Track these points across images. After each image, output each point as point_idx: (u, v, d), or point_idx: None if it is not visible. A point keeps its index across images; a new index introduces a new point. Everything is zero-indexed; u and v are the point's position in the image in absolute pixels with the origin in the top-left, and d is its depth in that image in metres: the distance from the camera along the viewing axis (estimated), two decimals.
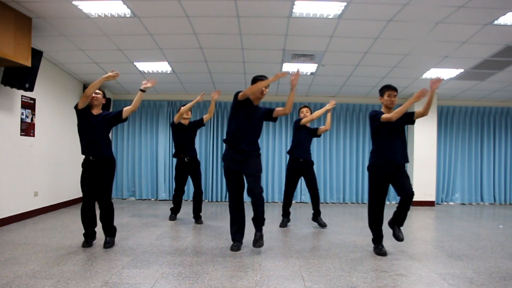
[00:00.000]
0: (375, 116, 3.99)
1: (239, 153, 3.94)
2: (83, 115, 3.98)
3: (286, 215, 5.53)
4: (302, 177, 5.52)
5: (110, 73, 3.89)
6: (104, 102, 4.11)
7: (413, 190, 3.87)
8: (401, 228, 3.98)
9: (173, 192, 5.83)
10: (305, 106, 5.54)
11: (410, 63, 6.19)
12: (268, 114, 4.07)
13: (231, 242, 4.13)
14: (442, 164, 8.57)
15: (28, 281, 2.97)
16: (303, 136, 5.43)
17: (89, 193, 3.99)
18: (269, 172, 8.36)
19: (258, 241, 3.87)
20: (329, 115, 5.55)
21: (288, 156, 5.64)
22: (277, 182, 8.35)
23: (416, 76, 6.91)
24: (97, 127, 3.97)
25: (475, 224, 6.12)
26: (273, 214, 6.38)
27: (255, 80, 3.97)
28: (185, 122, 5.64)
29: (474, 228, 5.65)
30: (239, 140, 3.94)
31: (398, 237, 3.93)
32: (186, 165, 5.57)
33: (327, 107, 5.39)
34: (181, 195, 5.78)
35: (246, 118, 3.94)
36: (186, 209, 5.98)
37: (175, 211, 5.84)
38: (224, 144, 8.29)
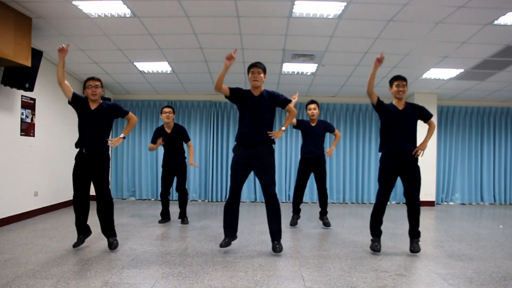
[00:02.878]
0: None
1: (249, 147, 3.86)
2: (80, 108, 3.86)
3: (296, 211, 5.44)
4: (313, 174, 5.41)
5: (60, 52, 3.68)
6: (103, 92, 3.95)
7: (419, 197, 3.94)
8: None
9: (161, 191, 5.63)
10: (312, 102, 5.31)
11: (410, 63, 6.19)
12: (280, 105, 4.01)
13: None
14: (442, 164, 8.58)
15: (28, 281, 2.97)
16: (309, 133, 5.29)
17: (80, 187, 3.88)
18: None
19: (277, 246, 3.85)
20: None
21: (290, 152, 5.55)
22: (277, 183, 8.35)
23: (416, 76, 6.91)
24: (97, 123, 3.88)
25: (475, 224, 6.12)
26: None
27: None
28: (167, 127, 5.47)
29: (474, 228, 5.65)
30: (246, 133, 3.88)
31: (413, 250, 3.92)
32: (173, 165, 5.49)
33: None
34: (168, 196, 5.63)
35: (249, 110, 3.88)
36: (187, 209, 5.95)
37: (165, 215, 5.66)
38: (225, 144, 8.37)
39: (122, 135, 4.00)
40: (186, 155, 5.63)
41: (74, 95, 3.87)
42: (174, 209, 5.96)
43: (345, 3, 4.34)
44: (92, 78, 3.90)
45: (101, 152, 3.91)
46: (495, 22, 4.62)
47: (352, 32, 5.11)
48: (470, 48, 5.46)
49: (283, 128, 4.02)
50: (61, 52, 3.69)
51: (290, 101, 4.04)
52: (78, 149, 3.93)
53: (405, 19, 4.67)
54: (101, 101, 3.97)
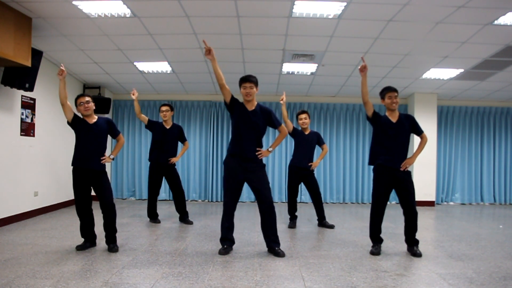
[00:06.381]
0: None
1: (242, 161, 3.87)
2: (79, 126, 3.91)
3: (293, 218, 5.53)
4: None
5: (60, 75, 3.80)
6: (94, 108, 4.00)
7: (416, 208, 3.95)
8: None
9: (150, 194, 5.53)
10: (303, 112, 5.38)
11: (410, 63, 6.19)
12: (271, 125, 4.02)
13: None
14: (442, 164, 8.57)
15: (28, 281, 2.97)
16: (302, 142, 5.37)
17: (82, 199, 3.93)
18: (269, 173, 8.36)
19: (280, 251, 3.86)
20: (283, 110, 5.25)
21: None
22: (277, 183, 8.36)
23: (416, 76, 6.91)
24: (97, 137, 3.94)
25: (475, 224, 6.12)
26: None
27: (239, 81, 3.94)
28: (166, 124, 5.49)
29: (474, 228, 5.65)
30: (239, 146, 3.88)
31: (414, 254, 3.91)
32: (162, 165, 5.44)
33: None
34: (157, 197, 5.61)
35: (242, 123, 3.88)
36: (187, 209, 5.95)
37: (153, 216, 5.61)
38: (225, 144, 8.37)
39: (112, 156, 4.08)
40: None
41: (75, 115, 3.93)
42: (173, 210, 5.95)
43: (345, 3, 4.34)
44: (82, 95, 3.99)
45: (101, 168, 3.96)
46: (495, 22, 4.62)
47: (352, 32, 5.11)
48: (470, 48, 5.46)
49: (270, 149, 4.03)
50: (61, 75, 3.80)
51: (281, 123, 4.06)
52: (74, 166, 3.93)
53: (405, 19, 4.67)
54: (96, 116, 4.04)
